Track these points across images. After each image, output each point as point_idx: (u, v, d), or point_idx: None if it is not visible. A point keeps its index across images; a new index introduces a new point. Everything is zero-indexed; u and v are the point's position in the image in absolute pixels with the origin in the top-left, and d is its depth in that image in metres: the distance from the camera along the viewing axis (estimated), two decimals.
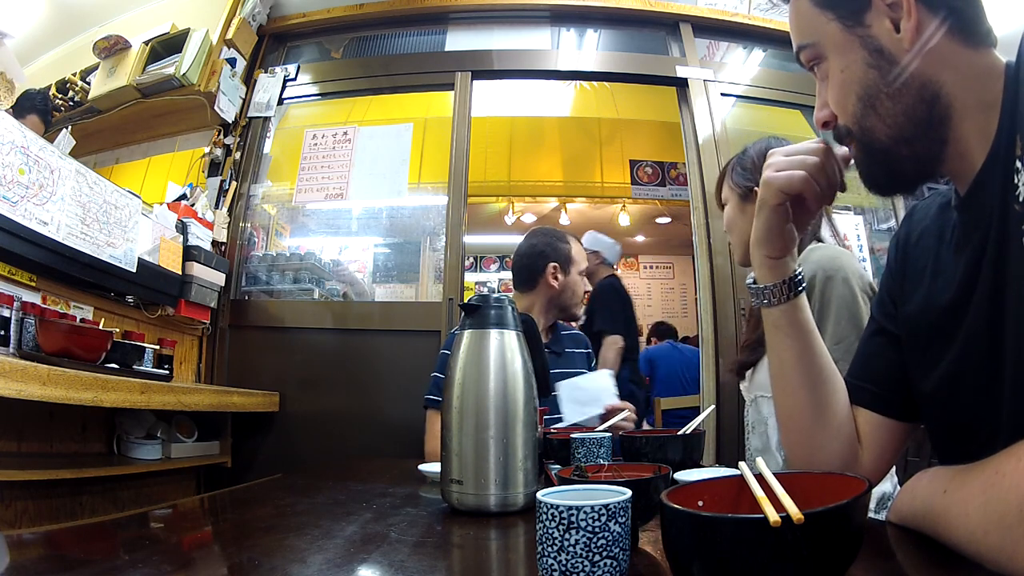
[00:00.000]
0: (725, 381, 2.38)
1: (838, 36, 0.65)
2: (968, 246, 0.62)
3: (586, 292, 1.83)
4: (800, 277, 0.77)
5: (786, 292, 0.76)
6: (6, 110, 1.86)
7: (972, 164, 0.61)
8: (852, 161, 0.70)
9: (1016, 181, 0.52)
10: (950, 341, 0.64)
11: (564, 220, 4.99)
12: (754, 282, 0.79)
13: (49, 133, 2.34)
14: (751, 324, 1.35)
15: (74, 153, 2.12)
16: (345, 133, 2.74)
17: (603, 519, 0.45)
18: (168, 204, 2.36)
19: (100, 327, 1.74)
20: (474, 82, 2.76)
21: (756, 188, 1.25)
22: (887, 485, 1.20)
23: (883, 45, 0.63)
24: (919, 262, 0.73)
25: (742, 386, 1.40)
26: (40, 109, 2.32)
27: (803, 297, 0.77)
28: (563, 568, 0.45)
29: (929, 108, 0.61)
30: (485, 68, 2.79)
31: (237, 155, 2.71)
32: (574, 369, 1.79)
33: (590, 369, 1.84)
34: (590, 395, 1.57)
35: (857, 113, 0.65)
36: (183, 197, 2.48)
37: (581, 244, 1.89)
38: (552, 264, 1.82)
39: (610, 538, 0.45)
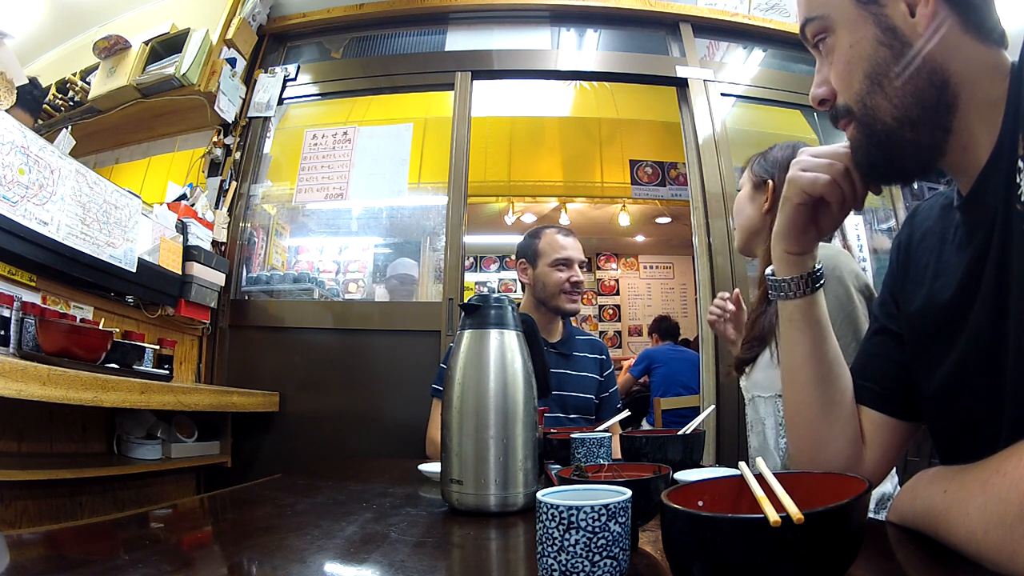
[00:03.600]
0: (725, 381, 2.37)
1: (850, 10, 0.65)
2: (971, 245, 0.62)
3: (574, 281, 1.77)
4: (819, 273, 0.77)
5: (804, 286, 0.76)
6: (6, 110, 1.86)
7: (975, 160, 0.61)
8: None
9: (1018, 181, 0.52)
10: (952, 340, 0.64)
11: (564, 220, 4.99)
12: (772, 274, 0.79)
13: (49, 133, 2.33)
14: (749, 321, 1.36)
15: (74, 153, 2.11)
16: (345, 133, 2.74)
17: (603, 519, 0.45)
18: (168, 204, 2.36)
19: (100, 327, 1.74)
20: (474, 82, 2.76)
21: (768, 181, 1.28)
22: (887, 485, 1.20)
23: (896, 25, 0.62)
24: (921, 262, 0.73)
25: (742, 384, 1.41)
26: (25, 100, 2.24)
27: (820, 293, 0.77)
28: (563, 568, 0.45)
29: (938, 93, 0.61)
30: (485, 68, 2.79)
31: (237, 155, 2.70)
32: (582, 373, 1.80)
33: (602, 376, 1.84)
34: None
35: (862, 91, 0.65)
36: (183, 197, 2.48)
37: (558, 236, 1.83)
38: (520, 260, 1.87)
39: (610, 538, 0.45)
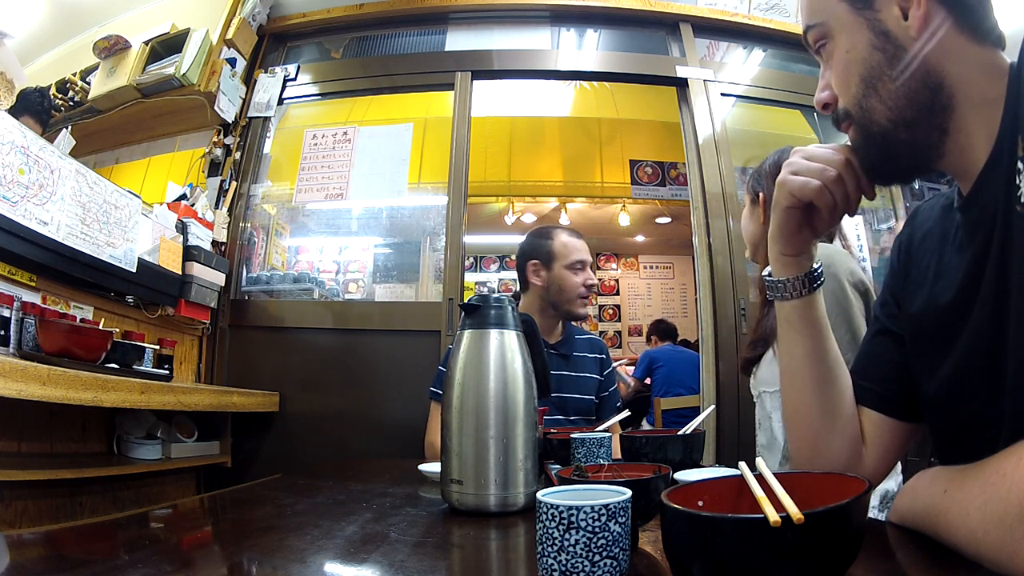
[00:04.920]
0: (725, 381, 2.37)
1: (846, 16, 0.66)
2: (972, 246, 0.62)
3: (589, 284, 1.77)
4: (818, 273, 0.77)
5: (801, 287, 0.76)
6: (6, 110, 1.86)
7: (974, 161, 0.61)
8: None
9: (1018, 182, 0.52)
10: (953, 341, 0.64)
11: (564, 220, 4.99)
12: (770, 275, 0.79)
13: (49, 133, 2.33)
14: (753, 323, 1.38)
15: (74, 153, 2.11)
16: (345, 133, 2.74)
17: (603, 519, 0.45)
18: (168, 204, 2.36)
19: (100, 327, 1.74)
20: (474, 82, 2.76)
21: (760, 194, 1.31)
22: (891, 483, 1.20)
23: (890, 29, 0.63)
24: (922, 263, 0.73)
25: (750, 383, 1.42)
26: (35, 110, 2.28)
27: (818, 294, 0.77)
28: (563, 568, 0.45)
29: (933, 95, 0.62)
30: (485, 68, 2.79)
31: (237, 155, 2.70)
32: (583, 373, 1.79)
33: (602, 375, 1.83)
34: None
35: (858, 94, 0.66)
36: (183, 197, 2.48)
37: (572, 238, 1.83)
38: (532, 262, 1.82)
39: (610, 538, 0.45)
